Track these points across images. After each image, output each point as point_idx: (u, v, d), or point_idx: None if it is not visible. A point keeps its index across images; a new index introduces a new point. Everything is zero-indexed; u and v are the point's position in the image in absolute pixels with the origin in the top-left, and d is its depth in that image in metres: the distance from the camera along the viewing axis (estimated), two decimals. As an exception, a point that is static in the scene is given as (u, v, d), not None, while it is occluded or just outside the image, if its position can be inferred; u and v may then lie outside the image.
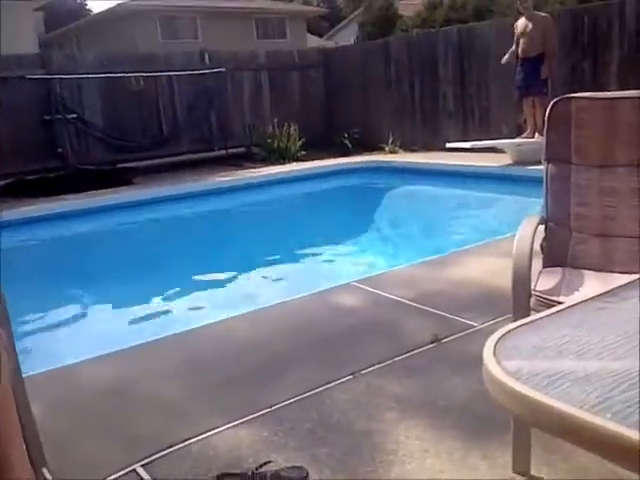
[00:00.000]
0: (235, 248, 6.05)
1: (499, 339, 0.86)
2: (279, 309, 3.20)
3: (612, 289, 1.03)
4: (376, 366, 2.37)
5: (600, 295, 1.02)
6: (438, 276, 3.55)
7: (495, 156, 7.78)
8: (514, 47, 7.50)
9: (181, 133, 10.50)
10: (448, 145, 8.38)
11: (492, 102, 9.22)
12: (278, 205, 8.25)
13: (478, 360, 0.82)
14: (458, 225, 6.37)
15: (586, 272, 1.89)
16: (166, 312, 4.18)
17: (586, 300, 1.01)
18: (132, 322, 4.04)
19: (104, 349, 2.78)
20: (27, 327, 3.90)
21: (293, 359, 2.53)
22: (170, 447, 1.92)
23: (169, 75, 10.27)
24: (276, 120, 10.58)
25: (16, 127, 8.81)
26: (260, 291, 4.41)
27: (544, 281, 1.79)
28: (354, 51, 12.30)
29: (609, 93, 2.05)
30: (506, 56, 7.61)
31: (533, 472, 1.66)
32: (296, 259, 5.38)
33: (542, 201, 2.07)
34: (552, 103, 2.01)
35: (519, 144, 7.55)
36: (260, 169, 9.37)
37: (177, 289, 4.63)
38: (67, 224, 7.07)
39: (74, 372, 2.58)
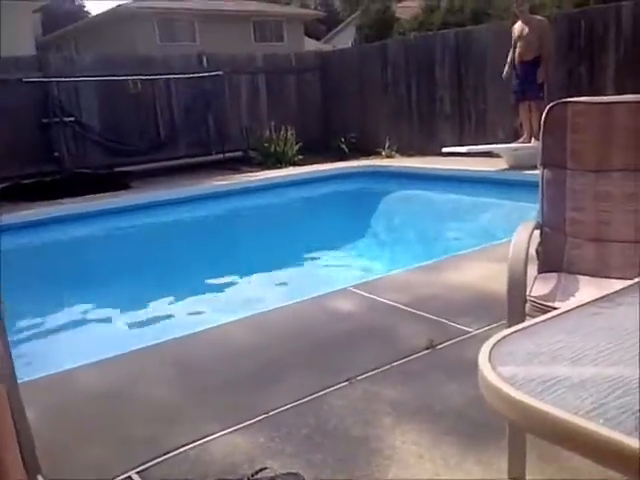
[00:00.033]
0: (231, 253, 6.04)
1: (494, 345, 0.86)
2: (276, 314, 3.20)
3: (607, 294, 1.03)
4: (372, 372, 2.36)
5: (595, 300, 1.02)
6: (434, 281, 3.56)
7: (491, 161, 7.80)
8: (511, 55, 7.52)
9: (178, 137, 10.50)
10: (444, 150, 8.41)
11: (489, 106, 9.24)
12: (275, 210, 8.25)
13: (473, 366, 0.82)
14: (454, 230, 6.38)
15: (581, 277, 1.89)
16: (162, 317, 4.17)
17: (581, 306, 1.01)
18: (127, 327, 4.03)
19: (98, 354, 2.77)
20: (22, 332, 3.88)
21: (290, 364, 2.53)
22: (166, 453, 1.91)
23: (167, 78, 10.27)
24: (273, 123, 10.60)
25: (13, 130, 8.79)
26: (256, 296, 4.41)
27: (539, 286, 1.79)
28: (351, 54, 12.32)
29: (605, 98, 2.05)
30: (506, 68, 7.60)
31: (528, 477, 1.66)
32: (292, 264, 5.37)
33: (538, 206, 2.08)
34: (548, 107, 2.01)
35: (515, 149, 7.56)
36: (257, 173, 9.38)
37: (173, 293, 4.62)
38: (64, 228, 7.06)
39: (70, 377, 2.57)
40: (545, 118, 2.01)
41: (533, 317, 1.23)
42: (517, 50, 7.40)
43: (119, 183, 8.80)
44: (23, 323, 4.03)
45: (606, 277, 1.86)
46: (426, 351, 2.52)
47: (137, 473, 1.83)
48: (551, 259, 2.01)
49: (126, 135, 9.94)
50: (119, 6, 21.19)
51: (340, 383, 2.29)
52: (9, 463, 1.09)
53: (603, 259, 1.96)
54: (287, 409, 2.13)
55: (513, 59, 7.48)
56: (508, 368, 0.79)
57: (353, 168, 9.37)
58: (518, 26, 7.43)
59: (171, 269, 5.40)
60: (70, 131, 9.46)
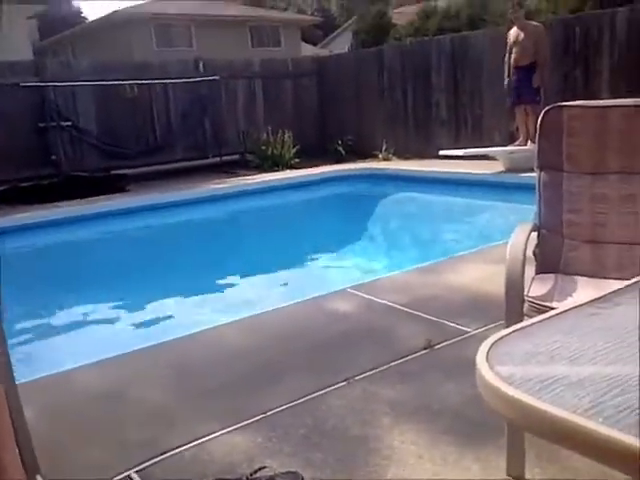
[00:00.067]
0: (228, 256, 6.04)
1: (492, 345, 0.86)
2: (274, 315, 3.21)
3: (604, 295, 1.04)
4: (370, 372, 2.37)
5: (592, 301, 1.03)
6: (432, 282, 3.57)
7: (488, 164, 7.82)
8: (506, 61, 7.55)
9: (175, 140, 10.50)
10: (441, 153, 8.42)
11: (485, 110, 9.28)
12: (272, 212, 8.25)
13: (471, 365, 0.83)
14: (451, 232, 6.39)
15: (578, 278, 1.91)
16: (157, 319, 4.17)
17: (578, 306, 1.02)
18: (121, 329, 4.03)
19: (91, 356, 2.76)
20: (18, 333, 3.88)
21: (288, 365, 2.53)
22: (164, 453, 1.91)
23: (163, 83, 10.27)
24: (270, 128, 10.61)
25: (10, 134, 8.77)
26: (252, 298, 4.41)
27: (537, 287, 1.80)
28: (348, 59, 12.36)
29: (600, 101, 2.07)
30: (505, 76, 7.62)
31: (527, 476, 1.67)
32: (290, 267, 5.37)
33: (535, 208, 2.09)
34: (544, 111, 2.03)
35: (511, 152, 7.59)
36: (254, 176, 9.38)
37: (169, 296, 4.62)
38: (60, 231, 7.05)
39: (68, 378, 2.57)
40: (541, 122, 2.02)
41: (531, 317, 1.24)
42: (513, 56, 7.44)
43: (116, 186, 8.79)
44: (19, 324, 4.02)
45: (603, 278, 1.87)
46: (424, 351, 2.53)
47: (136, 472, 1.83)
48: (548, 260, 2.02)
49: (123, 139, 9.93)
50: (115, 12, 21.16)
51: (338, 383, 2.29)
52: (7, 462, 1.10)
53: (600, 260, 1.97)
54: (285, 409, 2.14)
55: (509, 65, 7.52)
56: (506, 368, 0.80)
57: (350, 171, 9.38)
58: (514, 32, 7.47)
59: (167, 272, 5.40)
60: (67, 135, 9.46)
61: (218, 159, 10.59)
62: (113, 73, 9.82)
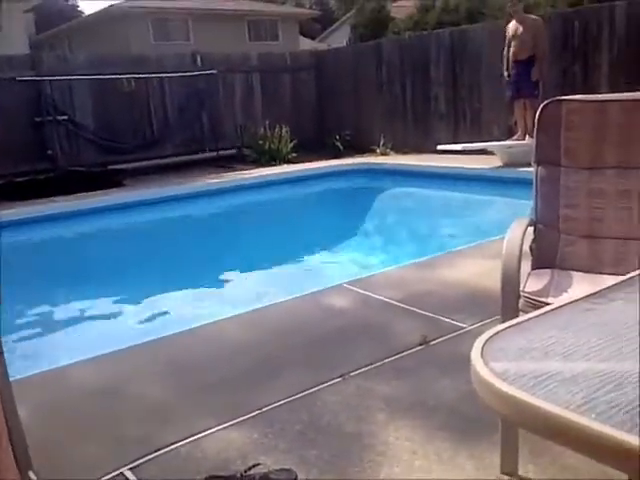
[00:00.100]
0: (225, 250, 6.03)
1: (487, 341, 0.86)
2: (270, 311, 3.20)
3: (600, 290, 1.04)
4: (366, 368, 2.37)
5: (588, 296, 1.02)
6: (428, 277, 3.56)
7: (486, 158, 7.81)
8: (505, 54, 7.54)
9: (172, 135, 10.48)
10: (439, 147, 8.42)
11: (483, 104, 9.26)
12: (269, 207, 8.24)
13: (467, 361, 0.82)
14: (448, 226, 6.39)
15: (575, 273, 1.90)
16: (154, 314, 4.16)
17: (574, 301, 1.01)
18: (117, 323, 4.03)
19: (88, 352, 2.76)
20: (14, 328, 3.87)
21: (284, 361, 2.53)
22: (158, 450, 1.91)
23: (160, 77, 10.25)
24: (268, 122, 10.58)
25: (6, 129, 8.74)
26: (249, 293, 4.40)
27: (533, 282, 1.79)
28: (346, 53, 12.33)
29: (599, 96, 2.06)
30: (504, 68, 7.62)
31: (521, 472, 1.67)
32: (287, 261, 5.37)
33: (532, 203, 2.08)
34: (542, 105, 2.01)
35: (509, 146, 7.59)
36: (251, 171, 9.37)
37: (166, 290, 4.61)
38: (57, 226, 7.03)
39: (64, 374, 2.57)
40: (539, 116, 2.01)
41: (526, 313, 1.24)
42: (512, 49, 7.43)
43: (112, 181, 8.77)
44: (15, 319, 4.01)
45: (599, 273, 1.86)
46: (420, 347, 2.53)
47: (130, 470, 1.82)
48: (545, 256, 2.01)
49: (120, 133, 9.91)
50: (112, 5, 21.09)
51: (334, 379, 2.29)
52: (1, 462, 1.09)
53: (596, 255, 1.96)
54: (281, 405, 2.13)
55: (508, 58, 7.50)
56: (500, 364, 0.79)
57: (347, 165, 9.37)
58: (512, 25, 7.45)
59: (164, 266, 5.39)
60: (63, 129, 9.44)
61: (215, 153, 10.57)
62: (110, 67, 9.79)
